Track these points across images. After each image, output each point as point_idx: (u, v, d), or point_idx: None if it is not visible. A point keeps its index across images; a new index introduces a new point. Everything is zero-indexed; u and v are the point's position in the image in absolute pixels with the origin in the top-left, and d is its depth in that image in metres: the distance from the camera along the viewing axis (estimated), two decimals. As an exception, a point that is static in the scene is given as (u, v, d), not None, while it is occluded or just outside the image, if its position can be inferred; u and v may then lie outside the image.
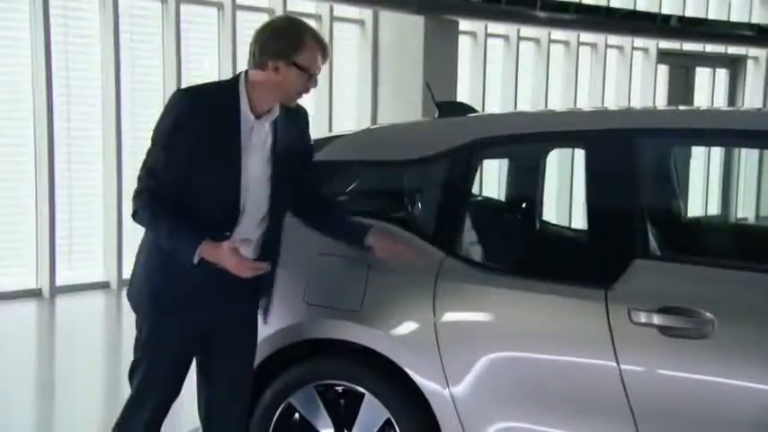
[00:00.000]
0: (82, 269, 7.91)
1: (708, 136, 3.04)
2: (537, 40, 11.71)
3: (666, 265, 2.81)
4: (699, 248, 3.40)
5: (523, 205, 3.55)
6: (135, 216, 2.77)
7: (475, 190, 3.26)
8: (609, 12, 11.59)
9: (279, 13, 8.95)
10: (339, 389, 3.11)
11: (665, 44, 13.19)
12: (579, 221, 3.11)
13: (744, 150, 11.27)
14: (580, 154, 2.97)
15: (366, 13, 9.79)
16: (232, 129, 2.71)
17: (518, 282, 2.92)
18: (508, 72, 11.30)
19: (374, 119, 9.73)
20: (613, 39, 12.50)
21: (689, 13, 13.08)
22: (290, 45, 2.70)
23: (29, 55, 7.40)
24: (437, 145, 3.11)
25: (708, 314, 2.61)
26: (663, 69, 13.53)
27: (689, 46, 13.54)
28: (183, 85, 8.01)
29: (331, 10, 9.23)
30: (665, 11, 12.72)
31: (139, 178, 2.75)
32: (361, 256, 3.01)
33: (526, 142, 3.14)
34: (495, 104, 10.90)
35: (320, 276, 3.13)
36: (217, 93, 2.80)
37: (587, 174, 2.91)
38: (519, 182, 3.60)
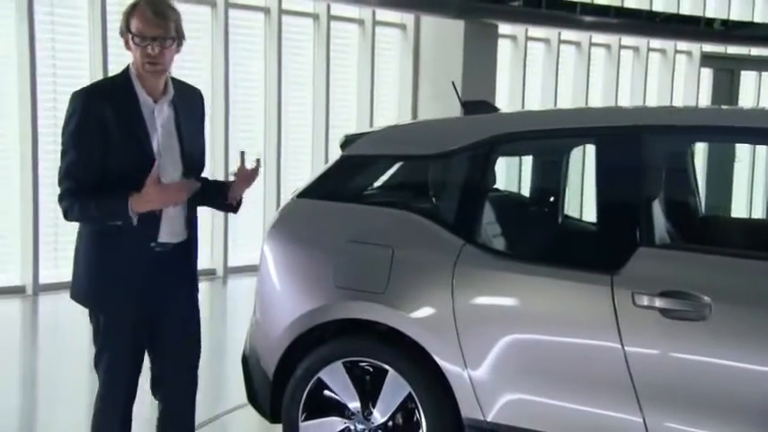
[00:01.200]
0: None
1: (708, 133, 3.23)
2: (578, 44, 11.84)
3: (668, 252, 3.00)
4: (698, 238, 3.58)
5: (538, 197, 3.77)
6: (66, 216, 2.91)
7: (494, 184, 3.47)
8: (650, 15, 11.62)
9: (323, 18, 9.25)
10: (365, 365, 3.34)
11: (709, 47, 13.18)
12: (589, 212, 3.30)
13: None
14: (591, 149, 3.18)
15: (408, 18, 10.04)
16: (135, 115, 2.88)
17: (531, 268, 3.13)
18: (548, 75, 11.46)
19: (415, 119, 9.97)
20: (656, 42, 12.55)
21: (734, 17, 13.07)
22: (126, 18, 2.86)
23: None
24: (458, 141, 3.34)
25: (705, 298, 2.79)
26: (707, 72, 13.53)
27: (733, 49, 13.51)
28: (232, 89, 8.49)
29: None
30: (709, 14, 12.73)
31: (59, 181, 2.89)
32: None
33: (540, 138, 3.36)
34: (535, 107, 11.07)
35: (348, 262, 3.37)
36: (113, 86, 2.95)
37: (597, 168, 3.12)
38: (534, 175, 3.80)
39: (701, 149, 10.01)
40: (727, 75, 13.73)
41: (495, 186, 3.68)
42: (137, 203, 2.85)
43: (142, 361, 3.12)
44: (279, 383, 3.48)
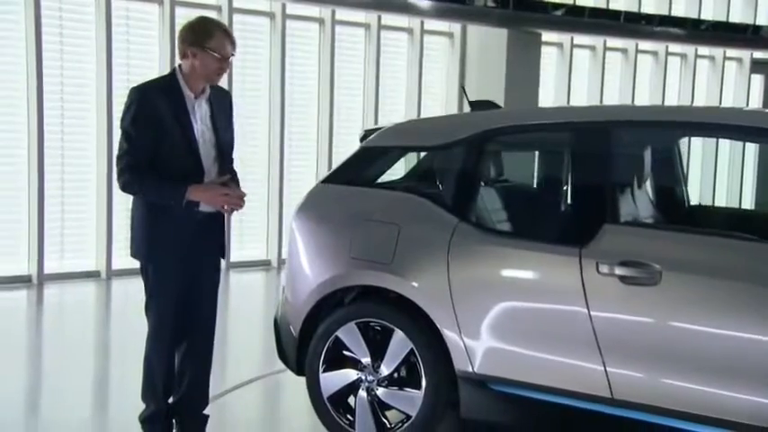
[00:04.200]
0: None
1: (666, 128, 3.73)
2: (624, 50, 12.16)
3: (628, 228, 3.50)
4: (653, 216, 4.05)
5: (523, 182, 4.29)
6: (126, 188, 3.53)
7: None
8: (695, 24, 11.82)
9: (374, 26, 9.87)
10: (375, 326, 3.91)
11: (760, 54, 13.32)
12: (565, 195, 3.81)
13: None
14: (568, 141, 3.70)
15: (455, 27, 10.59)
16: (181, 106, 3.56)
17: (514, 242, 3.67)
18: (594, 81, 11.83)
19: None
20: (704, 49, 12.77)
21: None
22: (198, 35, 3.55)
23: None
24: (457, 134, 3.90)
25: (656, 266, 3.28)
26: (757, 79, 13.67)
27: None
28: (288, 94, 9.14)
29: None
30: (761, 21, 12.89)
31: (119, 158, 3.53)
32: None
33: (524, 132, 3.89)
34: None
35: (362, 236, 3.94)
36: (163, 84, 3.62)
37: (571, 157, 3.63)
38: (520, 163, 4.32)
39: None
40: (778, 81, 13.84)
41: (504, 177, 4.21)
42: (192, 193, 3.51)
43: (182, 309, 3.72)
44: (303, 341, 4.07)
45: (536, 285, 3.58)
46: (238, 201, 3.63)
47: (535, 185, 4.30)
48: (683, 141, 4.51)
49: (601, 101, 11.71)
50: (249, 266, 9.15)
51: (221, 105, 3.75)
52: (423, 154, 4.27)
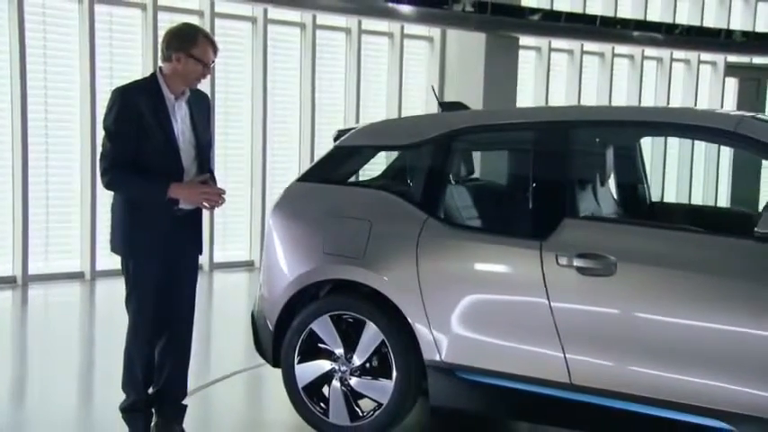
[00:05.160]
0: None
1: (621, 127, 3.93)
2: (601, 54, 12.39)
3: (586, 222, 3.69)
4: (614, 211, 4.24)
5: (489, 179, 4.48)
6: (109, 186, 3.68)
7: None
8: (670, 28, 12.04)
9: (355, 30, 10.05)
10: (347, 318, 4.07)
11: (734, 58, 13.58)
12: (527, 191, 4.00)
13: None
14: (530, 140, 3.88)
15: (435, 31, 10.79)
16: (161, 106, 3.71)
17: (480, 236, 3.85)
18: (572, 84, 12.05)
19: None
20: (679, 52, 13.02)
21: (759, 28, 13.46)
22: (183, 42, 3.71)
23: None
24: (425, 133, 4.08)
25: (612, 257, 3.46)
26: (732, 82, 13.94)
27: (760, 59, 13.88)
28: (270, 97, 9.26)
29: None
30: (735, 26, 13.16)
31: (102, 157, 3.67)
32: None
33: (488, 131, 4.07)
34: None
35: (335, 232, 4.10)
36: (144, 85, 3.77)
37: (533, 155, 3.82)
38: (485, 161, 4.51)
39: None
40: (753, 84, 14.10)
41: (471, 175, 4.39)
42: (173, 190, 3.66)
43: (162, 303, 3.85)
44: (279, 334, 4.22)
45: (500, 278, 3.76)
46: (217, 197, 3.79)
47: (500, 182, 4.48)
48: (644, 140, 4.69)
49: (579, 103, 11.93)
50: (233, 267, 9.30)
51: (200, 107, 3.91)
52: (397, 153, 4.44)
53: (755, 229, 3.19)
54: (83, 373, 5.58)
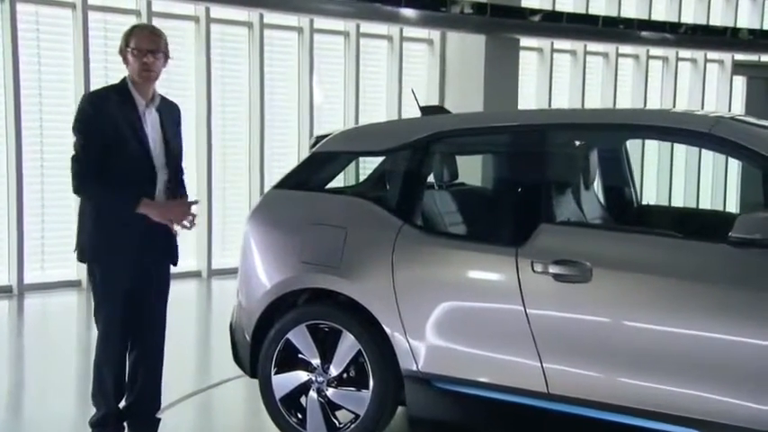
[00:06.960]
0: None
1: (599, 130, 3.83)
2: (605, 55, 12.27)
3: (562, 228, 3.59)
4: (593, 216, 4.14)
5: (465, 184, 4.38)
6: (77, 192, 3.66)
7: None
8: (674, 27, 11.91)
9: (353, 34, 9.98)
10: (324, 327, 3.99)
11: (741, 56, 13.43)
12: (504, 196, 3.92)
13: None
14: (506, 144, 3.79)
15: (435, 33, 10.71)
16: (133, 111, 3.67)
17: (456, 243, 3.76)
18: (575, 85, 11.93)
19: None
20: (685, 52, 12.87)
21: (766, 26, 13.30)
22: (126, 37, 3.70)
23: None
24: (402, 139, 3.99)
25: (587, 263, 3.37)
26: (740, 80, 13.77)
27: (768, 57, 13.73)
28: (267, 103, 9.22)
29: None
30: (741, 24, 13.00)
31: (73, 161, 3.62)
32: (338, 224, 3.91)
33: (465, 135, 3.97)
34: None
35: (312, 240, 4.02)
36: (114, 90, 3.72)
37: (509, 159, 3.72)
38: (462, 166, 4.41)
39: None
40: (761, 82, 13.94)
41: (447, 180, 4.29)
42: (143, 208, 3.61)
43: (132, 314, 3.79)
44: (256, 344, 4.15)
45: (476, 285, 3.66)
46: (186, 219, 3.72)
47: (478, 188, 4.39)
48: (625, 144, 4.58)
49: (582, 105, 11.82)
50: (231, 274, 9.21)
51: (171, 116, 3.85)
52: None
53: (729, 233, 3.08)
54: (79, 382, 5.50)
